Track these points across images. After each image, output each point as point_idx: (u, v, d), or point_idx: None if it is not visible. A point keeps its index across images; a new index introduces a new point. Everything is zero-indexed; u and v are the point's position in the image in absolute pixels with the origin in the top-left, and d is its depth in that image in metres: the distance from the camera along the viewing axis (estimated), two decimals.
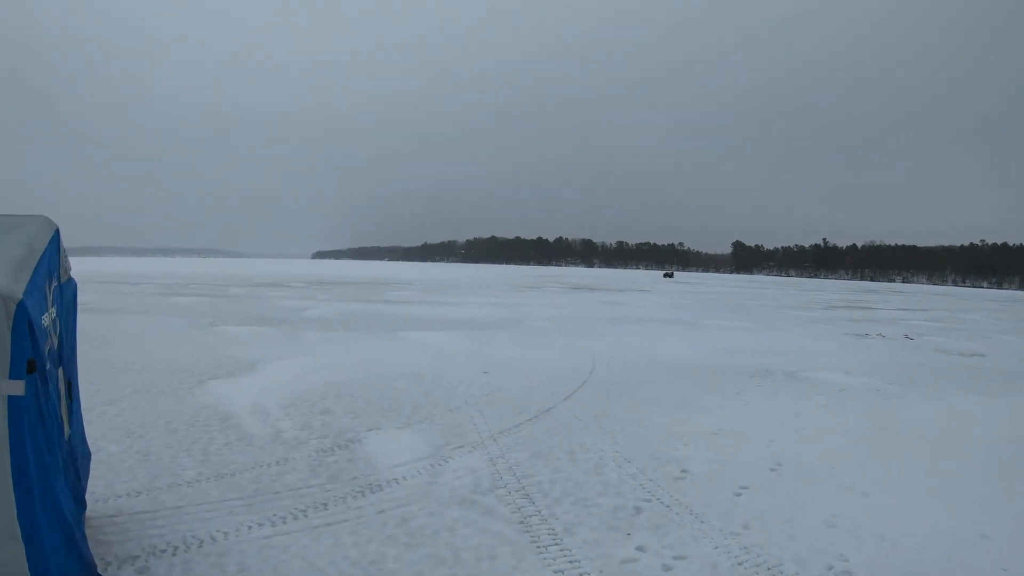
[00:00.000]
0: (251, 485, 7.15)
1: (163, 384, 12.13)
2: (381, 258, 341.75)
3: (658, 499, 7.12)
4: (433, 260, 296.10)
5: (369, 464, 7.92)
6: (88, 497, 6.48)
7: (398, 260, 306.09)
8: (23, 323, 3.59)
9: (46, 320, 4.31)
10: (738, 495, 7.40)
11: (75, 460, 5.23)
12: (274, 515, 6.35)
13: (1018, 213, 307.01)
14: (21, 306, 3.58)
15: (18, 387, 3.56)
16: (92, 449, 8.21)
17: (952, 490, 7.96)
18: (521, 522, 6.34)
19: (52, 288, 4.70)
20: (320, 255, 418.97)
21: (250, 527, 6.09)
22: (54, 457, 4.13)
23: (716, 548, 5.98)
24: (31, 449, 3.68)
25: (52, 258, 4.75)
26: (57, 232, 4.98)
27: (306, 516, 6.35)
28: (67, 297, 5.50)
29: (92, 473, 7.31)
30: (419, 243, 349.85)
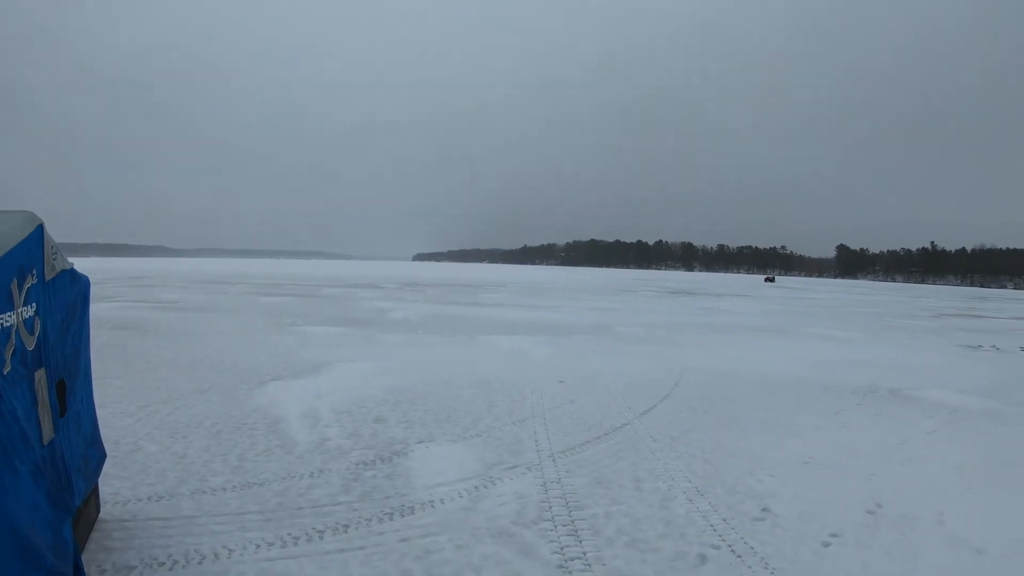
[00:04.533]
0: (276, 498, 6.58)
1: (224, 384, 11.89)
2: (480, 260, 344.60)
3: (729, 546, 6.09)
4: (532, 263, 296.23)
5: (407, 482, 7.20)
6: (110, 498, 6.35)
7: (497, 263, 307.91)
8: None
9: (8, 320, 4.03)
10: (826, 545, 6.29)
11: (60, 464, 4.78)
12: (288, 534, 5.73)
13: None
14: None
15: None
16: (132, 448, 8.04)
17: None
18: (560, 566, 5.44)
19: (27, 286, 4.41)
20: (420, 257, 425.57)
21: (259, 546, 5.52)
22: (7, 461, 3.79)
23: None
24: None
25: (28, 254, 4.48)
26: (40, 227, 4.71)
27: (321, 539, 5.69)
28: (66, 295, 5.28)
29: (121, 474, 7.14)
30: (519, 246, 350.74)
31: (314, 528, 5.86)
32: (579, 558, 5.60)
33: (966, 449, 10.00)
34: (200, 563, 5.18)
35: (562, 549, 5.76)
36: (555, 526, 6.24)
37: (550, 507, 6.72)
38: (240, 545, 5.50)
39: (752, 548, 6.08)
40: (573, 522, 6.37)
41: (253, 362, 13.89)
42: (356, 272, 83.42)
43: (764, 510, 7.07)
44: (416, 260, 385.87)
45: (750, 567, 5.70)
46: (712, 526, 6.53)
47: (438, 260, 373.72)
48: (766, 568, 5.70)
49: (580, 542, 5.93)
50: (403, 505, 6.51)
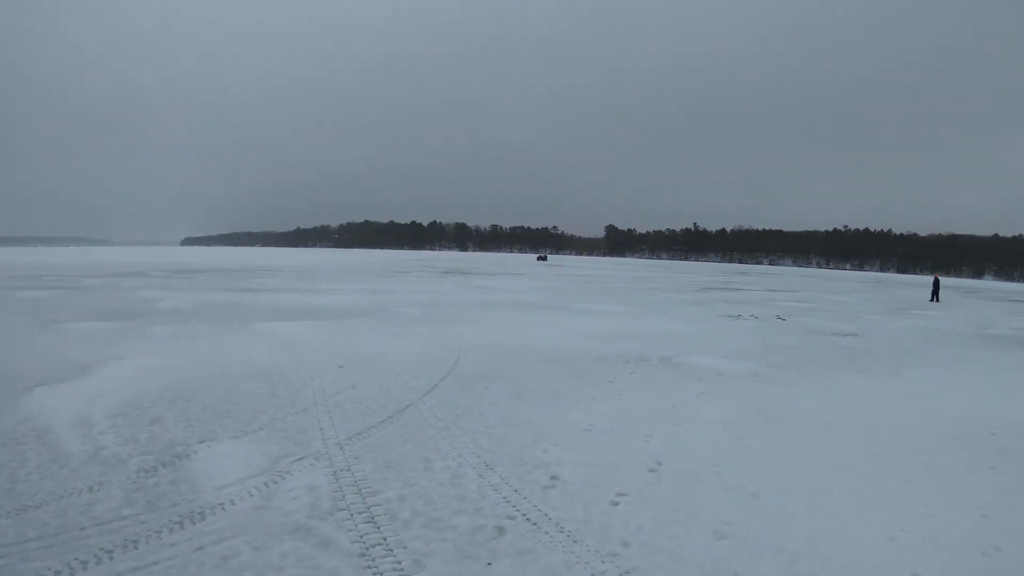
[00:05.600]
0: (56, 520, 5.94)
1: None
2: (253, 244, 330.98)
3: (524, 515, 6.33)
4: (306, 246, 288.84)
5: (194, 486, 6.80)
6: None
7: (271, 246, 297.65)
8: None
9: None
10: (615, 504, 6.71)
11: None
12: (75, 559, 5.22)
13: (878, 202, 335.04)
14: None
15: None
16: None
17: (849, 486, 7.58)
18: (362, 554, 5.41)
19: None
20: (189, 241, 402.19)
21: None
22: None
23: None
24: None
25: None
26: None
27: (111, 559, 5.24)
28: None
29: None
30: (292, 228, 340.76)
31: (102, 548, 5.38)
32: (380, 544, 5.60)
33: (732, 407, 10.99)
34: None
35: (362, 537, 5.72)
36: (351, 515, 6.18)
37: (343, 496, 6.64)
38: None
39: (546, 514, 6.36)
40: (369, 509, 6.35)
41: (13, 366, 12.55)
42: (121, 259, 77.03)
43: (553, 478, 7.40)
44: (185, 245, 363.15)
45: (547, 532, 5.96)
46: (505, 498, 6.75)
47: (209, 244, 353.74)
48: (562, 531, 5.99)
49: (379, 528, 5.92)
50: (192, 511, 6.16)
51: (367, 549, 5.51)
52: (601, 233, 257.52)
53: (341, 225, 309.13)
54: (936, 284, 47.41)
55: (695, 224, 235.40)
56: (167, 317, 20.75)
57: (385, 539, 5.71)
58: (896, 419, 10.66)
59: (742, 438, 9.26)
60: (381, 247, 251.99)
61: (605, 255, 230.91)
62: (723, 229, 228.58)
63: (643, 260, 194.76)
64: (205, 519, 6.02)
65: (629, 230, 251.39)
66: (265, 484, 6.92)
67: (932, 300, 44.51)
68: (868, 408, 11.36)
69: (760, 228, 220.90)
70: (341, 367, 13.04)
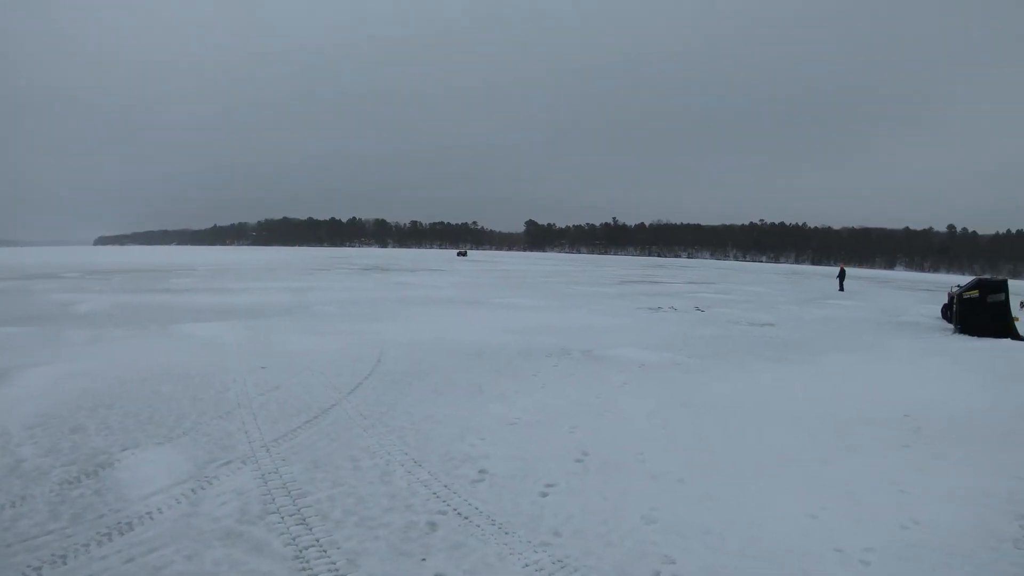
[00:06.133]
0: None
1: None
2: (169, 242, 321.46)
3: (455, 509, 6.47)
4: (224, 243, 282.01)
5: (119, 496, 6.69)
6: None
7: (187, 244, 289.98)
8: None
9: None
10: (544, 495, 6.90)
11: None
12: None
13: (794, 198, 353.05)
14: None
15: None
16: None
17: (770, 468, 7.95)
18: (296, 556, 5.46)
19: None
20: (103, 241, 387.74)
21: None
22: None
23: (526, 566, 5.42)
24: None
25: None
26: None
27: None
28: None
29: None
30: (209, 226, 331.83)
31: (30, 566, 5.25)
32: (313, 546, 5.65)
33: (655, 397, 11.29)
34: None
35: (294, 540, 5.76)
36: (282, 517, 6.21)
37: (273, 499, 6.64)
38: None
39: (476, 508, 6.51)
40: (299, 510, 6.37)
41: None
42: (30, 260, 73.71)
43: (481, 472, 7.54)
44: (99, 244, 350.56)
45: (478, 526, 6.11)
46: (435, 493, 6.87)
47: (123, 244, 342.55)
48: (493, 524, 6.15)
49: (311, 529, 5.96)
50: (120, 522, 6.06)
51: (301, 551, 5.56)
52: (521, 228, 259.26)
53: (259, 222, 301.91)
54: (842, 274, 49.19)
55: (614, 219, 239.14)
56: (83, 321, 20.11)
57: (318, 540, 5.76)
58: (814, 404, 11.15)
59: (666, 426, 9.55)
60: (300, 244, 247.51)
61: (525, 250, 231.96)
62: (642, 223, 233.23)
63: (563, 254, 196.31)
64: (133, 529, 5.94)
65: (549, 225, 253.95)
66: (192, 490, 6.86)
67: (839, 290, 46.22)
68: (787, 394, 11.84)
69: (678, 222, 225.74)
70: (264, 368, 12.90)
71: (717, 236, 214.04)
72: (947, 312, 26.08)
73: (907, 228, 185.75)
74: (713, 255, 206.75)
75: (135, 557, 5.44)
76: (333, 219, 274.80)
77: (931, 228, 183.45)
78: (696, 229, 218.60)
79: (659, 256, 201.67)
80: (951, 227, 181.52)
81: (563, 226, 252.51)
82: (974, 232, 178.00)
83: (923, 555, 5.87)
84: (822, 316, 27.04)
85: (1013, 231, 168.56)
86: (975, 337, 21.32)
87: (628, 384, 12.22)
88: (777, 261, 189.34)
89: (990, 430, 10.05)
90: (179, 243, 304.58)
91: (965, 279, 32.26)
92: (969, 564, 5.76)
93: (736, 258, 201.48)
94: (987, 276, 28.98)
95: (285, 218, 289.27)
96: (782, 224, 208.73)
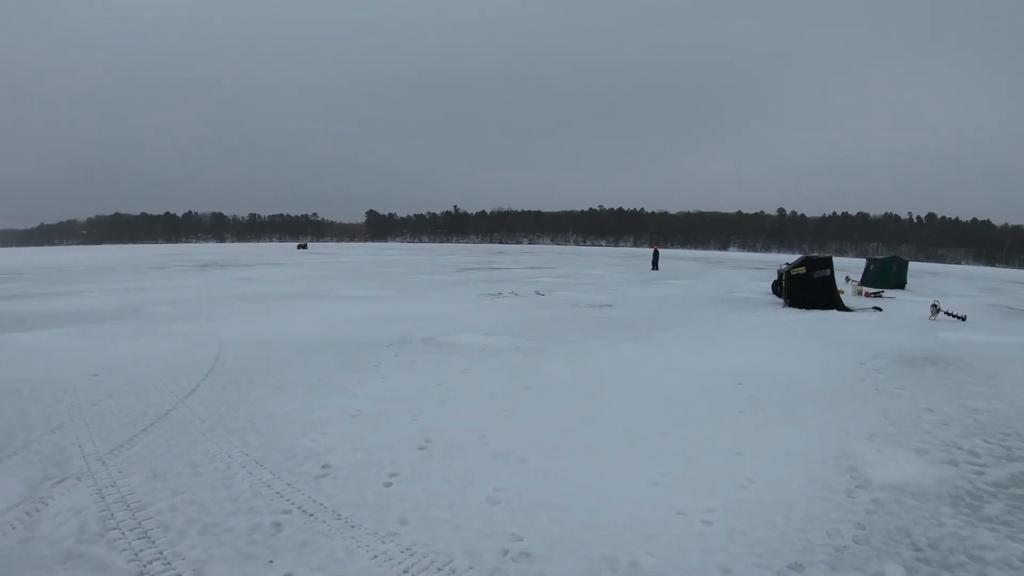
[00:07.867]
0: None
1: None
2: None
3: (299, 507, 6.49)
4: (52, 244, 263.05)
5: None
6: None
7: (12, 246, 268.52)
8: None
9: None
10: (389, 485, 7.02)
11: None
12: None
13: (632, 184, 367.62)
14: None
15: None
16: None
17: (611, 442, 8.37)
18: (141, 572, 5.34)
19: None
20: None
21: None
22: None
23: (375, 558, 5.54)
24: None
25: None
26: None
27: None
28: None
29: None
30: (35, 224, 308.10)
31: None
32: (157, 559, 5.55)
33: (495, 380, 11.59)
34: None
35: (137, 555, 5.63)
36: (123, 533, 6.03)
37: (112, 514, 6.42)
38: None
39: (321, 504, 6.57)
40: (140, 524, 6.20)
41: None
42: None
43: (324, 467, 7.58)
44: None
45: (324, 522, 6.18)
46: (279, 493, 6.86)
47: None
48: (339, 518, 6.23)
49: (153, 542, 5.84)
50: None
51: (145, 566, 5.45)
52: (362, 219, 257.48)
53: (90, 219, 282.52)
54: (656, 255, 51.54)
55: (455, 207, 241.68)
56: None
57: (162, 553, 5.66)
58: (652, 378, 11.81)
59: (507, 408, 9.86)
60: (134, 242, 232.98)
61: (367, 240, 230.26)
62: (483, 211, 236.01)
63: (404, 244, 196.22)
64: None
65: (390, 215, 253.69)
66: (27, 513, 6.50)
67: (653, 269, 48.38)
68: (625, 370, 12.45)
69: (520, 209, 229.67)
70: (95, 376, 12.25)
71: (558, 222, 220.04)
72: (777, 288, 28.02)
73: (739, 212, 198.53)
74: (554, 240, 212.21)
75: None
76: (168, 214, 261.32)
77: (762, 211, 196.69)
78: (537, 215, 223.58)
79: (500, 243, 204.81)
80: (781, 210, 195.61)
81: (404, 216, 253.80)
82: (803, 215, 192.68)
83: (762, 511, 6.44)
84: (658, 295, 28.43)
85: (839, 213, 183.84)
86: (803, 310, 23.09)
87: (469, 369, 12.50)
88: (616, 245, 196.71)
89: (819, 393, 11.06)
90: (2, 245, 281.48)
91: (794, 257, 34.66)
92: (806, 514, 6.39)
93: (577, 243, 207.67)
94: (814, 254, 31.16)
95: (117, 214, 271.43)
96: (620, 210, 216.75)
